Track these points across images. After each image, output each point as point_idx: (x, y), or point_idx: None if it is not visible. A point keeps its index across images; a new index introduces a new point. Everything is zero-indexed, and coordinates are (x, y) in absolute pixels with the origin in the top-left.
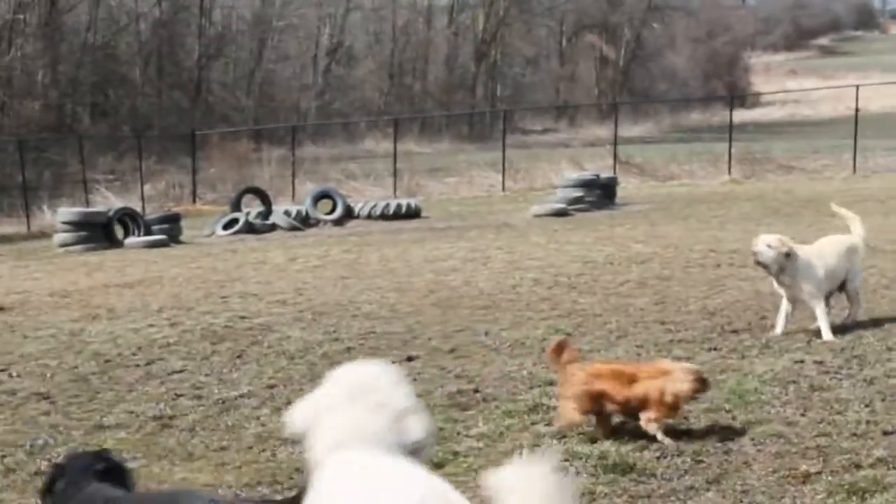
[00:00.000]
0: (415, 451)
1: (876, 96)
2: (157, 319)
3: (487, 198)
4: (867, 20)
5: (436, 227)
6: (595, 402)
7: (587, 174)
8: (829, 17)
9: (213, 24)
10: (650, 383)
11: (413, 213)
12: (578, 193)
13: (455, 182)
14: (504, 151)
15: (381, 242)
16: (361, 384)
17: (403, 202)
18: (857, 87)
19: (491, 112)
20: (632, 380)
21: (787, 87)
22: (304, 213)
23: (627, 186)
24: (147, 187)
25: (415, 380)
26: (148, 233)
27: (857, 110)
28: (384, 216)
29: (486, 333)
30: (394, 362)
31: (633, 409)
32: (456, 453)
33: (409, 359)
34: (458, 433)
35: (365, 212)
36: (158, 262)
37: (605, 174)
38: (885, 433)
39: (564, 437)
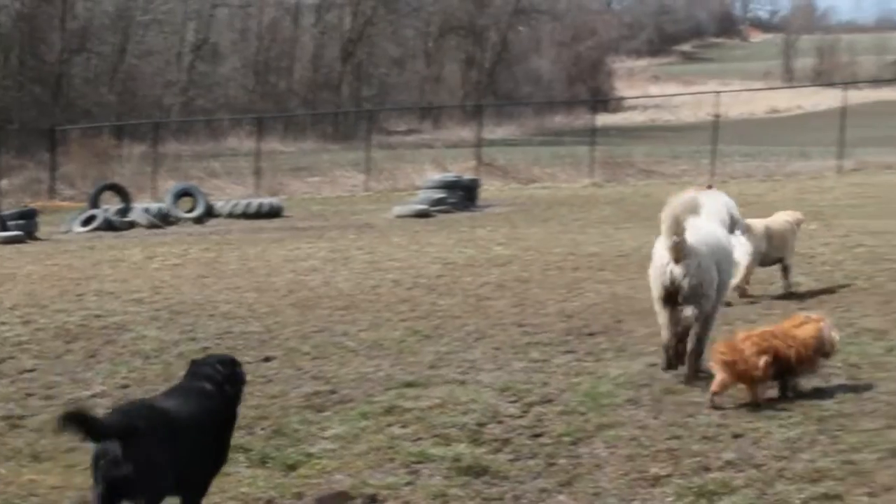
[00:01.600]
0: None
1: (735, 103)
2: (10, 317)
3: (350, 198)
4: (728, 27)
5: (297, 226)
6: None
7: (450, 175)
8: (691, 24)
9: (75, 17)
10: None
11: (275, 213)
12: (441, 195)
13: (318, 181)
14: (368, 151)
15: (241, 241)
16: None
17: (265, 201)
18: (717, 93)
19: (356, 112)
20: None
21: (649, 92)
22: (164, 210)
23: (490, 188)
24: (4, 182)
25: (270, 381)
26: (3, 228)
27: (716, 116)
28: (245, 215)
29: (345, 334)
30: (250, 363)
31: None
32: (310, 455)
33: (266, 359)
34: (313, 434)
35: (226, 210)
36: (13, 259)
37: (468, 176)
38: (735, 436)
39: (419, 439)
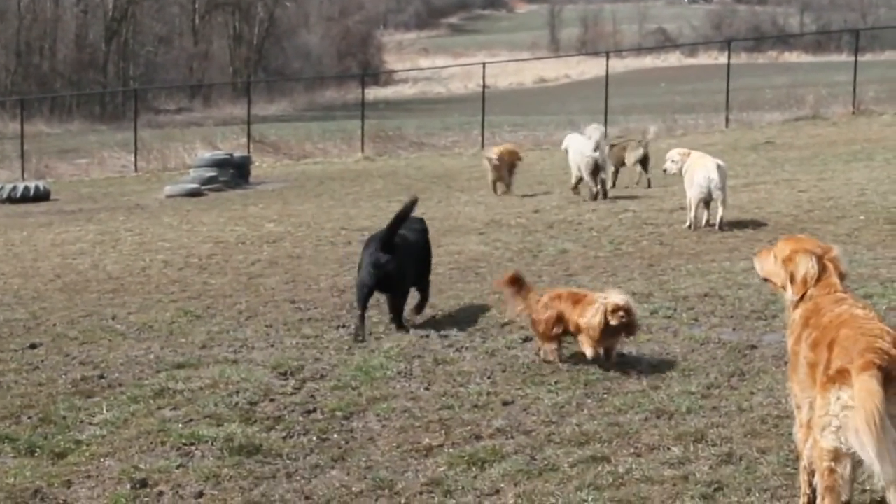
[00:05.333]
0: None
1: (503, 73)
2: None
3: (120, 179)
4: None
5: (65, 209)
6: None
7: (221, 153)
8: None
9: None
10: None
11: (42, 196)
12: (212, 173)
13: (86, 163)
14: (136, 131)
15: (6, 227)
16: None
17: (32, 185)
18: (484, 64)
19: (123, 91)
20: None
21: (419, 65)
22: None
23: (262, 165)
24: None
25: (37, 368)
26: None
27: (484, 87)
28: (11, 199)
29: (114, 318)
30: (16, 350)
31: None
32: (79, 442)
33: (33, 346)
34: (82, 421)
35: None
36: None
37: (239, 153)
38: (505, 403)
39: (191, 420)
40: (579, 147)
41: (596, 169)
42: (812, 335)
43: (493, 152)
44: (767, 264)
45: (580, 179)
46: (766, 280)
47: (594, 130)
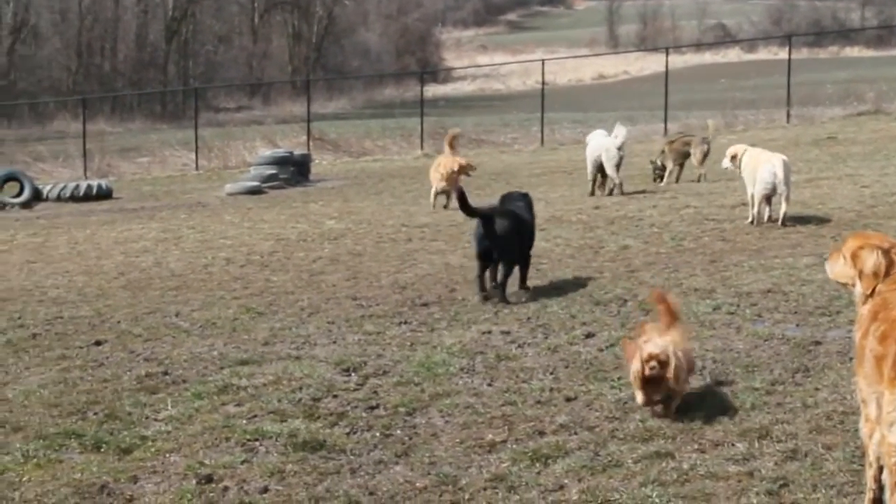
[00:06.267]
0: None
1: (562, 70)
2: None
3: (181, 177)
4: None
5: (127, 207)
6: None
7: (281, 151)
8: None
9: None
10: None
11: (104, 195)
12: (272, 171)
13: (148, 162)
14: (196, 130)
15: (70, 225)
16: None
17: (94, 183)
18: (543, 61)
19: (183, 90)
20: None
21: (477, 62)
22: None
23: (322, 163)
24: None
25: (102, 364)
26: None
27: (543, 84)
28: (74, 198)
29: (177, 314)
30: (81, 347)
31: None
32: (144, 437)
33: (97, 343)
34: (147, 417)
35: (54, 194)
36: None
37: (299, 151)
38: (568, 399)
39: (254, 416)
40: (602, 143)
41: (620, 164)
42: (880, 328)
43: (456, 164)
44: (837, 266)
45: (595, 177)
46: (838, 282)
47: (621, 129)
